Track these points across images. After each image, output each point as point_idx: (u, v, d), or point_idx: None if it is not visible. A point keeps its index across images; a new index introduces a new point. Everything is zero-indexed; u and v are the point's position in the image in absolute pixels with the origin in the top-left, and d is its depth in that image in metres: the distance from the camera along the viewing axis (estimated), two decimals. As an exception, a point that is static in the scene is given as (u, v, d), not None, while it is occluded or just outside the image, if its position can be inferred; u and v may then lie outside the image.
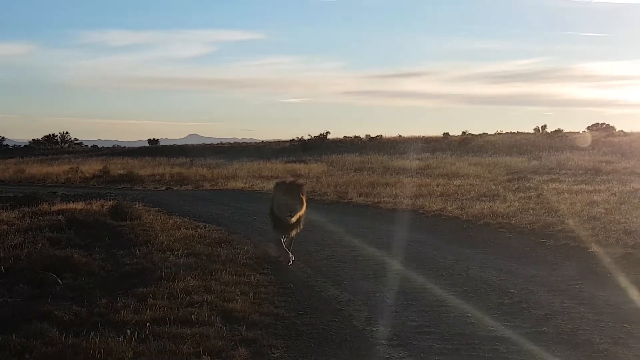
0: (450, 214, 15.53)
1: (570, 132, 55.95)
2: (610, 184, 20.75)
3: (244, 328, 6.65)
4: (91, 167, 41.11)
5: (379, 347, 6.25)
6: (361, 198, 19.97)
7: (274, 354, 6.04)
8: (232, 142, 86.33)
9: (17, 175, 39.08)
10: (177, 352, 5.86)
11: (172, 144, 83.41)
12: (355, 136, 65.45)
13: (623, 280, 8.76)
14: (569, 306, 7.64)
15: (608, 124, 70.11)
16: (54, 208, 15.51)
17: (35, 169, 41.71)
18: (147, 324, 6.56)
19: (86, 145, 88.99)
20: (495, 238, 12.56)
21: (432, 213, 16.03)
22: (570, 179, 23.49)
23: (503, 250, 11.46)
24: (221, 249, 11.11)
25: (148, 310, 7.05)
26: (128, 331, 6.32)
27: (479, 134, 59.78)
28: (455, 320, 7.13)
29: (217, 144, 76.93)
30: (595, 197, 16.97)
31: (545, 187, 20.22)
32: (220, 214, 17.19)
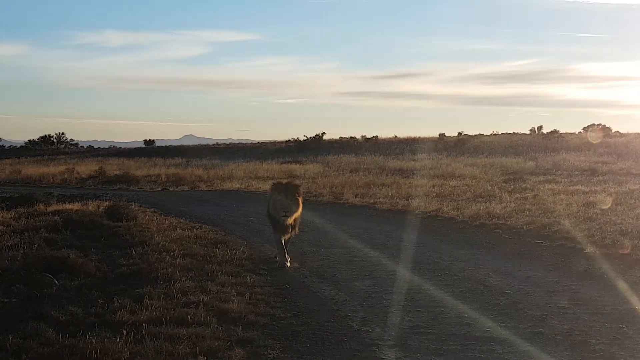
0: (446, 215, 15.54)
1: (566, 133, 56.05)
2: (607, 185, 20.79)
3: (240, 328, 6.65)
4: (87, 167, 41.09)
5: (375, 347, 6.25)
6: (357, 199, 19.98)
7: (270, 354, 6.04)
8: (227, 142, 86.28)
9: (13, 175, 39.03)
10: (174, 352, 5.85)
11: (168, 144, 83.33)
12: (351, 137, 65.52)
13: (619, 281, 8.78)
14: (565, 307, 7.65)
15: (604, 125, 70.24)
16: (50, 209, 15.50)
17: (31, 169, 41.66)
18: (144, 325, 6.55)
19: (82, 146, 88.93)
20: (491, 239, 12.57)
21: (428, 214, 16.04)
22: (566, 180, 23.55)
23: (499, 251, 11.48)
24: (217, 249, 11.11)
25: (144, 311, 7.05)
26: (124, 331, 6.31)
27: (475, 135, 59.89)
28: (451, 320, 7.14)
29: (212, 144, 76.89)
30: (591, 197, 17.00)
31: (541, 188, 20.27)
32: (216, 215, 17.18)
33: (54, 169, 40.55)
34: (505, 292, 8.36)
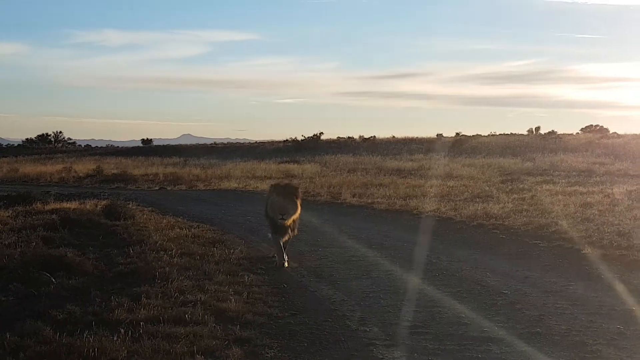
0: (444, 215, 15.55)
1: (564, 134, 56.09)
2: (604, 186, 20.81)
3: (238, 328, 6.65)
4: (85, 166, 41.08)
5: (373, 347, 6.25)
6: (354, 199, 19.98)
7: (267, 353, 6.04)
8: (225, 142, 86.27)
9: (10, 174, 39.01)
10: (171, 351, 5.85)
11: (165, 143, 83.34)
12: (349, 137, 65.51)
13: (616, 282, 8.78)
14: (563, 307, 7.66)
15: (602, 126, 70.36)
16: (48, 207, 15.49)
17: (28, 168, 41.64)
18: (141, 323, 6.55)
19: (80, 145, 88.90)
20: (489, 239, 12.58)
21: (426, 214, 16.04)
22: (563, 181, 23.57)
23: (496, 251, 11.49)
24: (215, 248, 11.11)
25: (142, 310, 7.05)
26: (122, 330, 6.31)
27: (473, 135, 59.87)
28: (448, 320, 7.14)
29: (210, 144, 76.90)
30: (588, 198, 17.02)
31: (539, 189, 20.28)
32: (213, 214, 17.18)
33: (51, 168, 40.55)
34: (503, 292, 8.37)
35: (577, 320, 7.09)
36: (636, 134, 51.32)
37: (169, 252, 10.37)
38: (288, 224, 10.20)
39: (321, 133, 62.37)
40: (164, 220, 14.78)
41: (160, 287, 8.08)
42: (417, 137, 60.54)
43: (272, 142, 65.75)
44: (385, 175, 28.02)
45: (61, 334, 6.18)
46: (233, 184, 28.31)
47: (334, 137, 65.41)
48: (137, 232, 12.62)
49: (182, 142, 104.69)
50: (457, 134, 62.36)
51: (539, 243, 11.79)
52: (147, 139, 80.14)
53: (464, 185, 22.49)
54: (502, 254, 11.22)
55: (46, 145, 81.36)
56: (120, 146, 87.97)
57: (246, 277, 8.98)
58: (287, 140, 61.06)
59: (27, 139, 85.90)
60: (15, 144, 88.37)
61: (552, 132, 57.13)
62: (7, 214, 14.44)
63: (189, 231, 13.03)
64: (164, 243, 11.25)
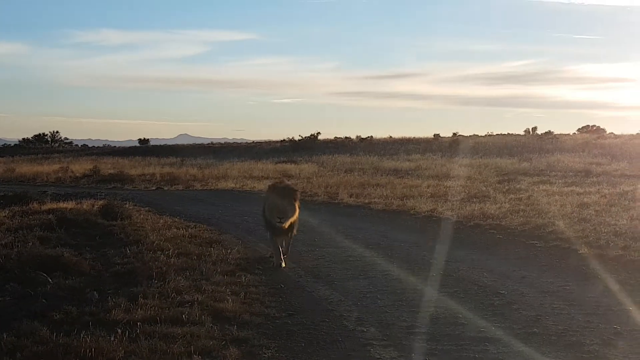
0: (441, 215, 15.56)
1: (561, 134, 56.17)
2: (601, 186, 20.84)
3: (235, 328, 6.65)
4: (81, 166, 40.98)
5: (370, 347, 6.26)
6: (352, 199, 19.99)
7: (265, 353, 6.04)
8: (222, 142, 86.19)
9: (6, 174, 38.89)
10: (168, 351, 5.85)
11: (162, 143, 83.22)
12: (346, 137, 65.49)
13: (613, 282, 8.80)
14: (559, 307, 7.67)
15: (599, 126, 70.45)
16: (44, 207, 15.45)
17: (25, 168, 41.53)
18: (138, 324, 6.55)
19: (76, 145, 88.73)
20: (486, 239, 12.59)
21: (423, 214, 16.06)
22: (560, 181, 23.58)
23: (493, 251, 11.50)
24: (212, 249, 11.10)
25: (139, 310, 7.04)
26: (119, 330, 6.31)
27: (470, 136, 59.95)
28: (445, 320, 7.15)
29: (207, 144, 76.78)
30: (585, 199, 17.04)
31: (536, 189, 20.30)
32: (210, 214, 17.17)
33: (48, 168, 40.44)
34: (500, 293, 8.38)
35: (574, 321, 7.11)
36: (633, 135, 51.51)
37: (166, 252, 10.36)
38: (285, 226, 10.16)
39: (318, 133, 62.38)
40: (161, 220, 14.76)
41: (158, 287, 8.08)
42: (414, 137, 60.59)
43: (269, 142, 65.71)
44: (382, 176, 28.02)
45: (58, 334, 6.18)
46: (230, 184, 28.28)
47: (331, 137, 65.44)
48: (134, 232, 12.60)
49: (179, 142, 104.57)
50: (454, 134, 62.47)
51: (536, 243, 11.80)
52: (144, 138, 80.00)
53: (461, 185, 22.48)
54: (499, 254, 11.23)
55: (43, 145, 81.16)
56: (117, 146, 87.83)
57: (243, 277, 8.98)
58: (284, 140, 61.03)
59: (23, 138, 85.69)
60: (12, 144, 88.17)
61: (549, 133, 57.24)
62: (4, 214, 14.40)
63: (186, 231, 13.03)
64: (161, 243, 11.24)
